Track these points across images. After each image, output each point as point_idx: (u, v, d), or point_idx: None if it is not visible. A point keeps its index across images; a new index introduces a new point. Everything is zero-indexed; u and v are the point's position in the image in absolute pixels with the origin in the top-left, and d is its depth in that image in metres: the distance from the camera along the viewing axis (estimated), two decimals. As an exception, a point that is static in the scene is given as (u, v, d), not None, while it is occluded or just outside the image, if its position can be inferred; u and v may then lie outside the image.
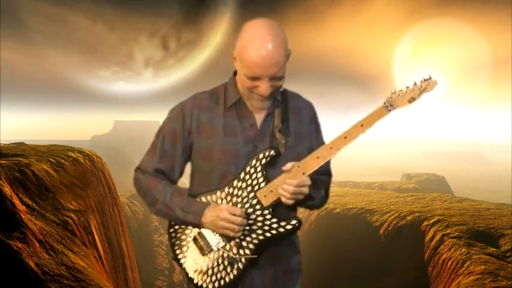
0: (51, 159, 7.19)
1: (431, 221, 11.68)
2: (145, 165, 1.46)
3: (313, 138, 1.52)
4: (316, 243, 16.88)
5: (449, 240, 9.91)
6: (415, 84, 1.39)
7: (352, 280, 13.86)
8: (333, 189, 23.44)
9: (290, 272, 1.49)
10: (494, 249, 9.21)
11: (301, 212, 21.05)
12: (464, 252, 8.94)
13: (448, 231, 10.53)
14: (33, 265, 3.79)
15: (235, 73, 1.47)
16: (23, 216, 4.46)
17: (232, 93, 1.44)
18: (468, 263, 8.32)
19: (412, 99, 1.38)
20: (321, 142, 1.54)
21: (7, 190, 4.63)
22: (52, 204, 5.75)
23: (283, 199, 1.38)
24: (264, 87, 1.32)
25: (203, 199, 1.41)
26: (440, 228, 10.95)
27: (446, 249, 9.65)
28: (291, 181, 1.36)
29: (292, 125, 1.46)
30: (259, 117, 1.44)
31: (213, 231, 1.39)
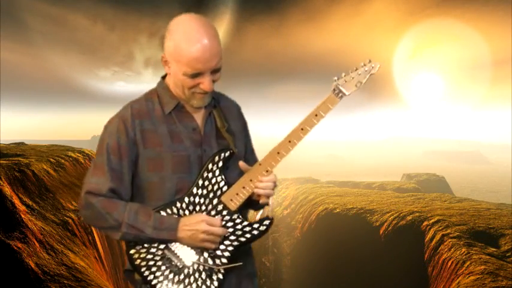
0: (51, 159, 7.19)
1: (431, 221, 11.67)
2: (97, 187, 1.29)
3: (243, 135, 1.49)
4: (316, 243, 16.87)
5: (449, 240, 9.91)
6: (357, 69, 1.37)
7: (352, 280, 13.86)
8: (333, 189, 23.42)
9: (251, 275, 1.45)
10: (494, 249, 9.20)
11: (301, 212, 21.03)
12: (464, 252, 8.94)
13: (448, 231, 10.52)
14: (33, 265, 3.79)
15: (163, 77, 1.41)
16: (23, 216, 4.46)
17: (168, 99, 1.36)
18: (468, 263, 8.32)
19: (359, 83, 1.36)
20: (249, 139, 1.53)
21: (7, 190, 4.63)
22: (52, 204, 5.75)
23: (261, 198, 1.35)
24: (207, 81, 1.28)
25: (162, 213, 1.29)
26: (440, 228, 10.94)
27: (446, 249, 9.65)
28: (269, 178, 1.33)
29: (231, 123, 1.43)
30: (199, 120, 1.38)
31: (190, 245, 1.29)
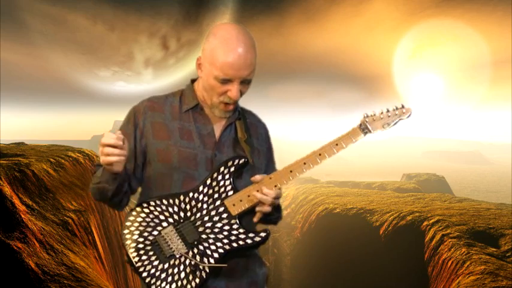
0: (51, 159, 7.19)
1: (431, 221, 11.68)
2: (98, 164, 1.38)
3: (267, 156, 1.51)
4: (316, 243, 16.87)
5: (449, 240, 9.91)
6: (389, 110, 1.38)
7: (352, 280, 13.86)
8: (333, 189, 23.42)
9: (255, 284, 1.45)
10: (494, 249, 9.21)
11: (301, 212, 21.02)
12: (464, 252, 8.94)
13: (448, 231, 10.52)
14: (33, 265, 3.79)
15: (193, 81, 1.45)
16: (23, 216, 4.47)
17: (190, 99, 1.41)
18: (468, 263, 8.32)
19: (386, 125, 1.38)
20: (273, 161, 1.54)
21: (7, 190, 4.63)
22: (52, 204, 5.75)
23: (261, 207, 1.35)
24: (235, 90, 1.30)
25: (164, 201, 1.32)
26: (440, 228, 10.94)
27: (446, 249, 9.65)
28: (269, 191, 1.34)
29: (253, 139, 1.44)
30: (217, 126, 1.40)
31: (102, 163, 1.28)
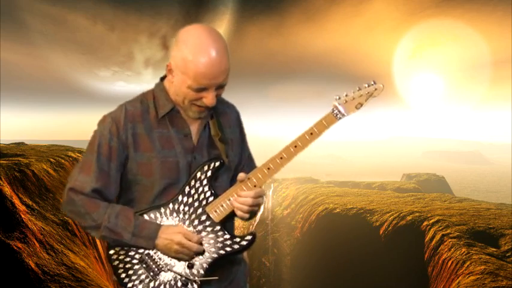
0: (51, 159, 7.19)
1: (431, 221, 11.67)
2: (81, 185, 1.28)
3: (239, 141, 1.47)
4: (316, 243, 16.87)
5: (449, 240, 9.91)
6: (360, 89, 1.35)
7: (352, 280, 13.86)
8: (333, 189, 23.39)
9: (237, 281, 1.43)
10: (494, 249, 9.21)
11: (301, 212, 21.02)
12: (464, 252, 8.94)
13: (448, 231, 10.52)
14: (33, 265, 3.79)
15: (162, 79, 1.39)
16: (23, 216, 4.46)
17: (164, 102, 1.34)
18: (468, 263, 8.32)
19: (359, 105, 1.34)
20: (246, 145, 1.51)
21: (7, 190, 4.63)
22: (52, 204, 5.75)
23: (240, 213, 1.32)
24: (210, 97, 1.26)
25: (146, 217, 1.28)
26: (440, 228, 10.94)
27: (446, 249, 9.65)
28: (247, 193, 1.30)
29: (226, 131, 1.41)
30: (193, 127, 1.36)
31: (164, 254, 1.27)
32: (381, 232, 13.91)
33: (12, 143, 10.01)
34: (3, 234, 3.92)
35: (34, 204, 5.24)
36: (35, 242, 4.25)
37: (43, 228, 4.76)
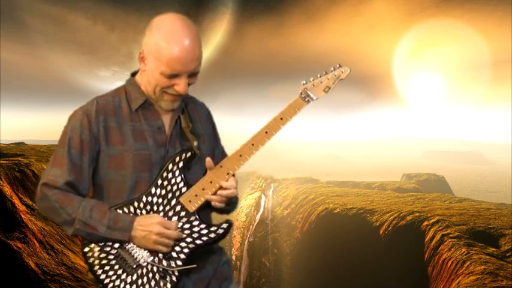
0: (51, 159, 7.20)
1: (431, 221, 11.68)
2: (54, 179, 1.25)
3: (212, 137, 1.47)
4: (316, 243, 16.88)
5: (449, 240, 9.91)
6: (327, 73, 1.36)
7: (352, 280, 13.87)
8: (333, 189, 23.40)
9: (220, 273, 1.41)
10: (494, 249, 9.21)
11: (301, 212, 21.01)
12: (464, 252, 8.94)
13: (448, 231, 10.53)
14: (33, 265, 3.79)
15: (133, 74, 1.39)
16: (23, 216, 4.46)
17: (137, 95, 1.33)
18: (468, 263, 8.32)
19: (327, 88, 1.35)
20: (218, 142, 1.51)
21: (7, 190, 4.63)
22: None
23: (215, 202, 1.31)
24: (183, 84, 1.26)
25: (119, 212, 1.26)
26: (440, 228, 10.95)
27: (446, 249, 9.65)
28: (221, 182, 1.29)
29: (197, 125, 1.41)
30: (166, 120, 1.35)
31: (142, 246, 1.26)
32: (381, 232, 13.91)
33: (12, 143, 10.02)
34: (3, 234, 3.92)
35: (34, 204, 5.24)
36: (35, 242, 4.25)
37: (43, 228, 4.75)
